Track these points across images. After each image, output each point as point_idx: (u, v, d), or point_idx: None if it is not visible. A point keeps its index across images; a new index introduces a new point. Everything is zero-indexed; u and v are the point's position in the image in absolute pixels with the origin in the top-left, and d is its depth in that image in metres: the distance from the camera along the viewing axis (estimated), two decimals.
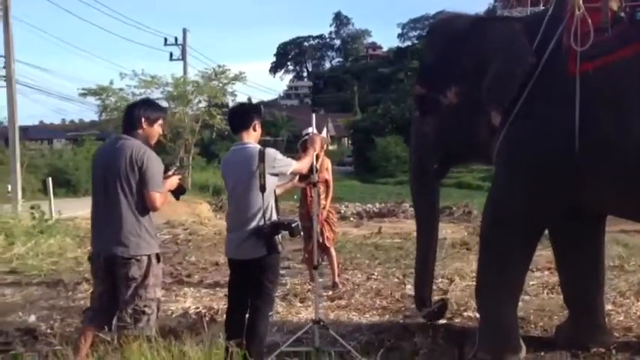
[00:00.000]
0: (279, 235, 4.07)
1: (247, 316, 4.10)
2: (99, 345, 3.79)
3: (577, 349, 4.47)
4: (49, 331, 4.90)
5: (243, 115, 4.28)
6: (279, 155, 4.15)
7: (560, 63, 3.97)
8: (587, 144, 3.83)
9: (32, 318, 5.32)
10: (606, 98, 3.85)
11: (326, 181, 6.70)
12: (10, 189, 16.52)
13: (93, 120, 32.05)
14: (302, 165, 4.36)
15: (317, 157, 6.46)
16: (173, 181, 4.05)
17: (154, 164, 3.81)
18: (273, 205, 4.09)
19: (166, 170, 3.99)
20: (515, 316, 4.52)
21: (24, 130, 30.82)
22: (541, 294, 6.16)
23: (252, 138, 4.18)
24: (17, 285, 6.96)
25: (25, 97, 34.92)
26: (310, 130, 6.12)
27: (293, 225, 4.17)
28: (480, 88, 4.18)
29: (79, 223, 10.84)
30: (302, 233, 4.56)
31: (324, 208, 6.60)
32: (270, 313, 4.27)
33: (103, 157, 3.95)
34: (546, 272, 6.87)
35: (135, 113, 3.95)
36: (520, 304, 5.52)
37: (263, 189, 3.97)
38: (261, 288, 4.07)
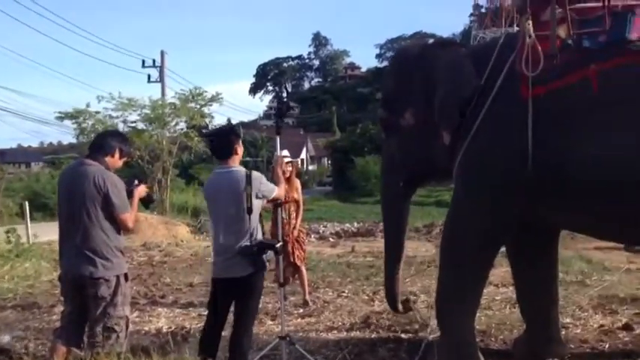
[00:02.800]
0: (266, 255, 4.26)
1: (231, 332, 4.28)
2: None
3: None
4: (23, 350, 5.01)
5: (224, 142, 4.39)
6: (264, 179, 4.35)
7: (512, 87, 4.17)
8: (539, 164, 4.05)
9: (7, 339, 5.41)
10: (556, 121, 4.06)
11: (296, 201, 6.90)
12: None
13: (71, 142, 32.05)
14: (281, 190, 4.58)
15: (290, 175, 6.71)
16: (141, 190, 4.27)
17: (117, 187, 4.02)
18: (258, 227, 4.27)
19: (130, 184, 4.21)
20: (473, 328, 4.71)
21: (1, 153, 30.78)
22: (504, 309, 6.38)
23: (236, 162, 4.36)
24: None
25: (2, 121, 34.80)
26: (278, 152, 6.38)
27: (277, 245, 4.40)
28: (432, 110, 4.43)
29: (55, 246, 10.79)
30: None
31: (294, 227, 6.79)
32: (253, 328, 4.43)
33: (68, 180, 4.13)
34: (511, 288, 7.05)
35: (111, 142, 4.19)
36: (483, 318, 5.77)
37: (250, 211, 4.16)
38: (246, 305, 4.26)
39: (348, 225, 19.82)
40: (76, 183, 4.01)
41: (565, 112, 4.05)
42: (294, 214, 6.91)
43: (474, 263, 4.51)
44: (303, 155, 58.87)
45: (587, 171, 3.96)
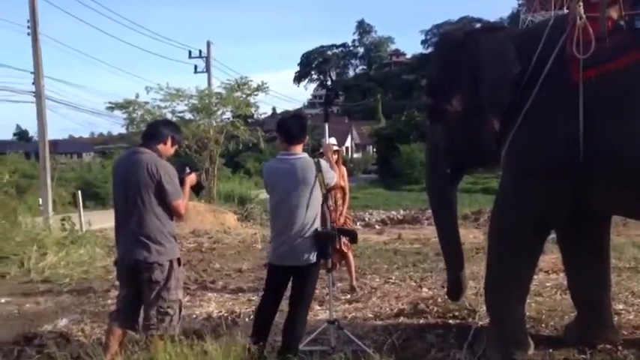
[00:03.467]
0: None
1: (285, 317, 4.32)
2: (127, 344, 4.07)
3: (584, 347, 4.61)
4: (80, 333, 5.19)
5: (302, 127, 4.41)
6: (329, 168, 4.39)
7: (563, 71, 4.11)
8: (591, 149, 3.98)
9: (64, 322, 5.60)
10: (608, 104, 3.99)
11: (342, 188, 6.94)
12: (41, 202, 17.00)
13: (121, 133, 32.71)
14: (337, 177, 4.60)
15: (337, 163, 6.76)
16: (192, 178, 4.34)
17: (170, 174, 4.10)
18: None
19: (182, 171, 4.29)
20: (523, 314, 4.68)
21: (54, 144, 31.60)
22: (554, 295, 6.31)
23: (300, 149, 4.35)
24: (50, 293, 7.27)
25: (54, 112, 35.72)
26: (327, 140, 6.46)
27: (355, 232, 4.60)
28: (479, 96, 4.39)
29: (108, 233, 11.16)
30: None
31: (340, 214, 6.84)
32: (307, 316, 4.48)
33: (122, 168, 4.23)
34: (561, 274, 6.96)
35: (163, 130, 4.30)
36: (533, 304, 5.72)
37: (325, 198, 4.22)
38: (304, 292, 4.28)
39: (394, 212, 19.82)
40: (130, 171, 4.11)
41: (617, 94, 3.99)
42: (341, 201, 6.95)
43: (523, 250, 4.48)
44: (348, 143, 58.84)
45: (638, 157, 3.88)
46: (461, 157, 4.89)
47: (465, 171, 5.47)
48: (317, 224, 4.22)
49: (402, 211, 19.97)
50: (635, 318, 5.42)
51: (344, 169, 7.19)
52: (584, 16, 4.05)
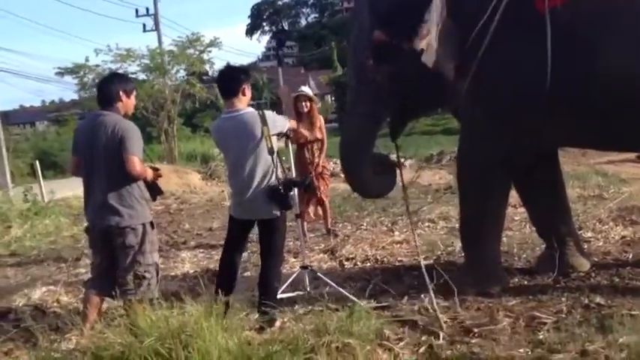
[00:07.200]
0: (292, 193, 4.27)
1: (259, 273, 4.31)
2: (106, 311, 4.00)
3: (558, 276, 4.73)
4: (55, 304, 5.10)
5: (232, 79, 4.27)
6: (276, 116, 4.28)
7: (526, 0, 4.06)
8: (559, 78, 3.96)
9: (37, 294, 5.49)
10: (574, 32, 3.96)
11: (320, 140, 6.93)
12: None
13: (73, 99, 31.87)
14: (292, 121, 4.50)
15: (311, 114, 6.69)
16: (150, 172, 4.10)
17: (134, 133, 3.96)
18: (279, 165, 4.22)
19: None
20: (498, 250, 4.76)
21: (5, 115, 30.74)
22: (523, 228, 6.43)
23: (243, 103, 4.21)
24: (18, 266, 7.10)
25: (2, 82, 34.58)
26: (302, 88, 6.32)
27: (307, 182, 4.53)
28: (438, 29, 4.19)
29: (71, 202, 10.95)
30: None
31: (317, 165, 6.83)
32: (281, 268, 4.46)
33: (85, 134, 4.09)
34: None
35: (111, 88, 4.11)
36: (504, 238, 5.79)
37: (272, 151, 4.11)
38: (273, 245, 4.26)
39: None
40: (94, 135, 3.97)
41: (584, 23, 3.95)
42: (318, 152, 6.94)
43: (493, 188, 4.53)
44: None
45: (611, 82, 3.89)
46: (413, 100, 4.55)
47: (407, 119, 4.99)
48: (273, 177, 4.15)
49: None
50: (604, 244, 5.58)
51: (321, 120, 7.13)
52: None
